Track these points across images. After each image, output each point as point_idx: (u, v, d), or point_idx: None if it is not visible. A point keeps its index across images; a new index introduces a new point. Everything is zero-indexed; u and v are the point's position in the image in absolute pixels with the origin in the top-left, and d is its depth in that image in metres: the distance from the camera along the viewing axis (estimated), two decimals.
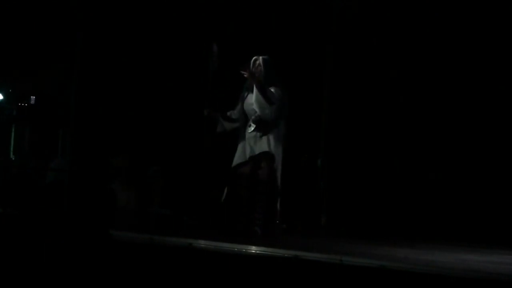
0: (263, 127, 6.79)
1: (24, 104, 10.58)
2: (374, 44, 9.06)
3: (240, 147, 6.90)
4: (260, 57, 6.88)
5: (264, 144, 6.73)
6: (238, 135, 7.03)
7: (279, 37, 9.25)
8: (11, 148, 10.47)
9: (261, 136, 6.78)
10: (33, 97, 10.58)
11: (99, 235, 5.69)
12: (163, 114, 9.77)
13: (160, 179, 8.74)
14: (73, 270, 5.31)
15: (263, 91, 6.68)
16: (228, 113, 7.07)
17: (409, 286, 4.58)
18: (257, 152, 6.76)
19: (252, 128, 6.84)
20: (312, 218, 8.96)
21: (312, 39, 9.28)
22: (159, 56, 9.70)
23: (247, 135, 6.86)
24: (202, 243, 5.63)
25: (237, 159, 6.87)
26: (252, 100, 6.77)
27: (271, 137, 6.75)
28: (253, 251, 5.41)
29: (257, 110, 6.74)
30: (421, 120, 8.89)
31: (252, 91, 6.78)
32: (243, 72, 6.71)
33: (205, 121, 7.14)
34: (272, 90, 6.76)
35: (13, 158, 10.33)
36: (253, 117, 6.83)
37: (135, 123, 9.84)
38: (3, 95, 10.49)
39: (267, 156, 6.73)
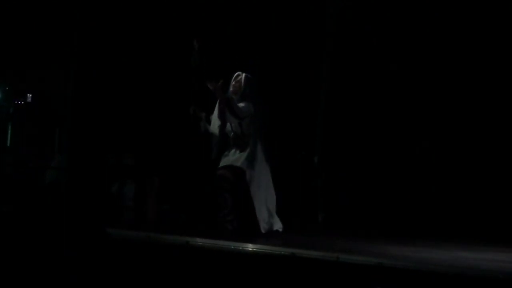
0: (240, 144, 6.81)
1: (21, 102, 10.60)
2: (371, 43, 9.07)
3: (226, 151, 6.90)
4: (243, 74, 6.86)
5: (239, 160, 6.75)
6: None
7: (277, 35, 9.25)
8: (8, 146, 10.48)
9: (240, 152, 6.80)
10: (29, 95, 10.60)
11: (96, 233, 5.70)
12: (157, 112, 9.76)
13: (156, 177, 8.75)
14: (71, 268, 5.31)
15: (229, 105, 6.65)
16: (211, 117, 7.03)
17: (406, 283, 4.59)
18: (235, 163, 6.77)
19: (232, 143, 6.87)
20: (309, 216, 8.97)
21: (309, 38, 9.29)
22: (151, 54, 9.69)
23: (232, 141, 6.90)
24: (199, 241, 5.63)
25: (222, 162, 6.87)
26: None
27: (245, 155, 6.75)
28: (250, 249, 5.42)
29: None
30: (418, 118, 8.89)
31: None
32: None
33: (191, 118, 7.09)
34: (242, 104, 6.73)
35: (10, 156, 10.34)
36: (231, 135, 6.86)
37: (130, 121, 9.83)
38: (0, 93, 10.50)
39: (238, 171, 6.73)
